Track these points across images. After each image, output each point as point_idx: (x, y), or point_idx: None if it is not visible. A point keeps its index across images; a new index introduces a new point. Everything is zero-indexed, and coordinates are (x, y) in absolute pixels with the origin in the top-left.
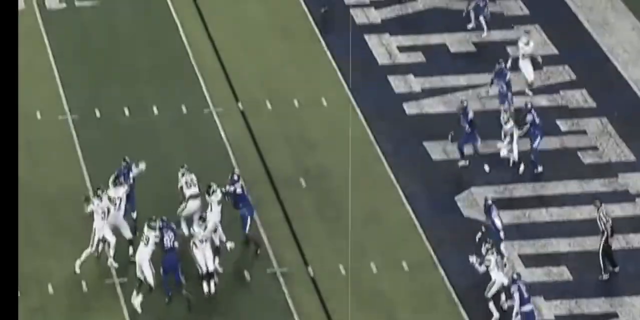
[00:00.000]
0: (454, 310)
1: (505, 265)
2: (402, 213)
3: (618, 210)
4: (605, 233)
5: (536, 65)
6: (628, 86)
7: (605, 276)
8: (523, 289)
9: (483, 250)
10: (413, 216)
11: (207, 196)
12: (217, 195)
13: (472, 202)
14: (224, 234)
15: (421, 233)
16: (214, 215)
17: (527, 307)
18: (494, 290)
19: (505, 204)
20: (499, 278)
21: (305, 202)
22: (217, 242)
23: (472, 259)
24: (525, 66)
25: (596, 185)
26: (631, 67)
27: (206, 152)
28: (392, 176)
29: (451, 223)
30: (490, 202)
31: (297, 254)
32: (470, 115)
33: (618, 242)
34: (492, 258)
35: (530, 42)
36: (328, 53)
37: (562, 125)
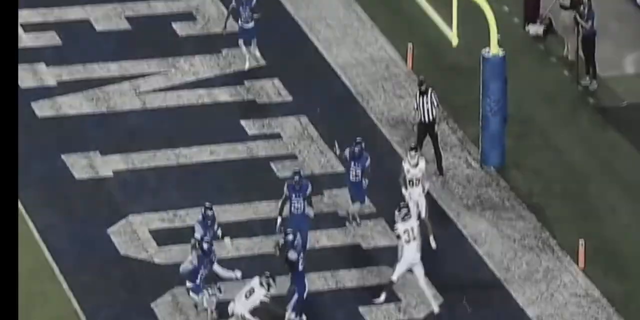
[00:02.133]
0: None
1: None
2: (36, 254)
3: (324, 239)
4: None
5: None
6: (333, 73)
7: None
8: None
9: None
10: (50, 257)
11: None
12: None
13: (131, 235)
14: None
15: (61, 280)
16: None
17: None
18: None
19: (175, 234)
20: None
21: None
22: None
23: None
24: (415, 195)
25: None
26: (336, 49)
27: None
28: (20, 204)
29: (101, 265)
30: None
31: None
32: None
33: (326, 281)
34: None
35: (421, 161)
36: None
37: (250, 127)
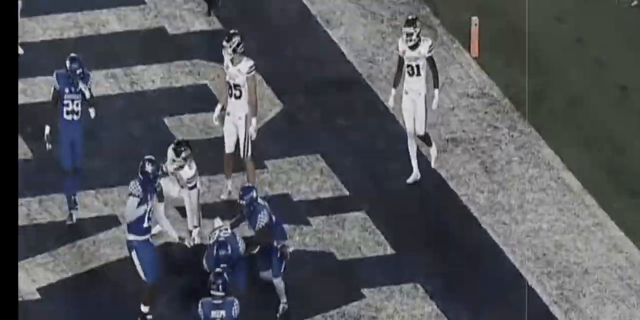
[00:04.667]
0: None
1: None
2: None
3: (114, 22)
4: None
5: None
6: None
7: None
8: None
9: None
10: None
11: None
12: None
13: None
14: None
15: None
16: None
17: None
18: None
19: None
20: None
21: None
22: None
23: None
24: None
25: None
26: None
27: None
28: None
29: None
30: None
31: None
32: None
33: (123, 87)
34: None
35: (247, 62)
36: None
37: None
